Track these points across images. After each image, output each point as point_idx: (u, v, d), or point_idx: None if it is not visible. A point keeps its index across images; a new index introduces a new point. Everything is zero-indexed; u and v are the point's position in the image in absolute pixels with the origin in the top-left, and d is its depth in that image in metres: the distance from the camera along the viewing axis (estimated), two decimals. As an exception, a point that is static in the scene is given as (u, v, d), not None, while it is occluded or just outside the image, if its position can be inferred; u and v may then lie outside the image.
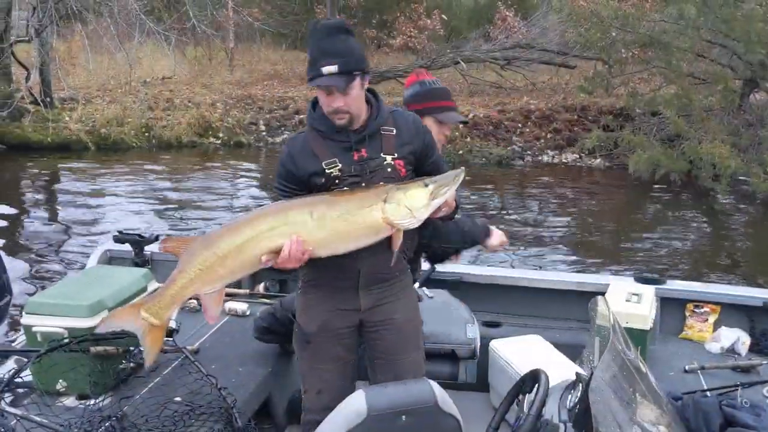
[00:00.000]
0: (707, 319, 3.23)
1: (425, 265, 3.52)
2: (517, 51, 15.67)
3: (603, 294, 3.06)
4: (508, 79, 16.17)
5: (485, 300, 3.44)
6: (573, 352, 2.80)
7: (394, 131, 2.30)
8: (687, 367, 2.93)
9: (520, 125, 13.24)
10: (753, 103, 10.69)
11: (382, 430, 1.84)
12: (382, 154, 2.27)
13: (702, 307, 3.27)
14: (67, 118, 12.51)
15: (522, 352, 2.97)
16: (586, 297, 2.43)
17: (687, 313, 3.29)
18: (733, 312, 3.26)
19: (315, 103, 2.32)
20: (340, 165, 2.24)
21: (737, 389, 2.61)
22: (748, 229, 8.79)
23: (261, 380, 2.90)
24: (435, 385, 1.92)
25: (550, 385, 2.23)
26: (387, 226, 2.11)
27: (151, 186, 10.05)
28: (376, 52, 20.04)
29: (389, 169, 2.26)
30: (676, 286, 3.43)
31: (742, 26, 9.42)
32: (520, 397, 2.19)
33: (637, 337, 2.85)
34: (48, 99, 12.65)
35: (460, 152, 12.57)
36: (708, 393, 2.62)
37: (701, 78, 11.26)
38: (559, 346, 3.08)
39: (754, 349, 3.12)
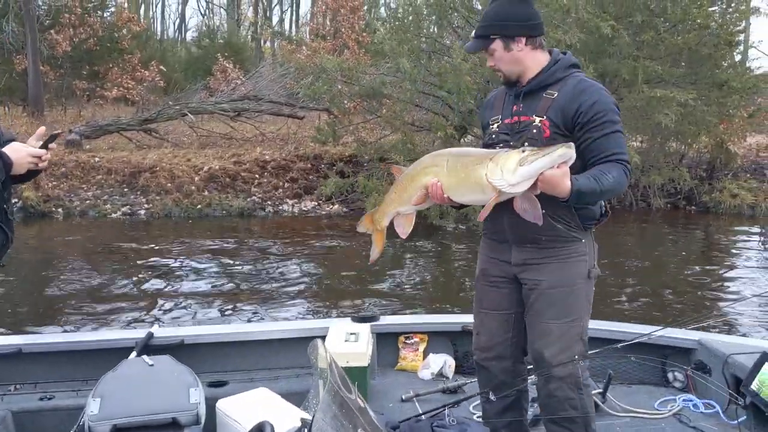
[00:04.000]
0: (418, 349, 3.48)
1: (141, 333, 3.33)
2: (246, 102, 15.86)
3: (324, 337, 3.18)
4: (239, 130, 16.25)
5: (210, 360, 3.33)
6: (301, 399, 2.80)
7: (555, 95, 2.33)
8: (404, 396, 3.13)
9: (257, 176, 13.38)
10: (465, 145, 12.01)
11: None
12: (534, 116, 2.32)
13: (412, 338, 3.52)
14: None
15: (249, 407, 2.88)
16: (309, 342, 2.49)
17: (400, 345, 3.52)
18: (438, 338, 3.55)
19: None
20: (500, 122, 2.43)
21: (445, 409, 2.88)
22: (469, 259, 9.72)
23: None
24: None
25: (277, 436, 2.22)
26: (490, 185, 2.16)
27: None
28: (88, 104, 18.95)
29: (534, 131, 2.31)
30: (389, 320, 3.66)
31: (453, 79, 10.59)
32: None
33: (358, 374, 2.97)
34: None
35: (199, 206, 12.30)
36: (422, 417, 2.84)
37: (418, 125, 12.48)
38: (288, 395, 3.08)
39: (459, 370, 3.42)
